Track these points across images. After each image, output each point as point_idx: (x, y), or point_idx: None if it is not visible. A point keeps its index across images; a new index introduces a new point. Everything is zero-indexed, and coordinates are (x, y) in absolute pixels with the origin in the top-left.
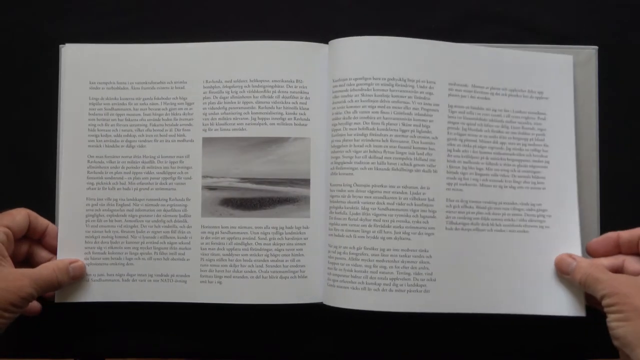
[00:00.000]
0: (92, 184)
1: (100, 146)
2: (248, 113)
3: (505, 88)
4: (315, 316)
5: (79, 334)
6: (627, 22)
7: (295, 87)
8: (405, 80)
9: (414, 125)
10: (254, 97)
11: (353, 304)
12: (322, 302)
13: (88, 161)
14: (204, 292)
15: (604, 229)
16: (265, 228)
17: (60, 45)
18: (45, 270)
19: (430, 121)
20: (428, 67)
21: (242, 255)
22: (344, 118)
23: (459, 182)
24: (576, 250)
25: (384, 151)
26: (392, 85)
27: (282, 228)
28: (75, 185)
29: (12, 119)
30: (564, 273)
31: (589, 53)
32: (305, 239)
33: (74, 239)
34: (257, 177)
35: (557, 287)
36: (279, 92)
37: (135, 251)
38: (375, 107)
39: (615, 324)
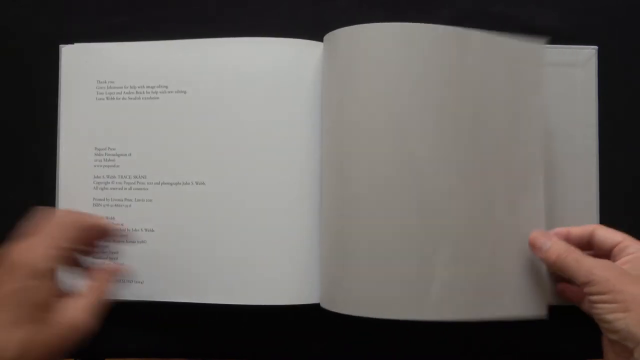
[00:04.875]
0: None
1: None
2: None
3: None
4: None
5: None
6: (627, 22)
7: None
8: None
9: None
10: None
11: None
12: (318, 303)
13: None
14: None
15: None
16: None
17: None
18: None
19: None
20: None
21: None
22: None
23: None
24: None
25: None
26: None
27: None
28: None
29: (12, 119)
30: (536, 250)
31: (589, 53)
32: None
33: None
34: None
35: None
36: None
37: None
38: None
39: (613, 316)
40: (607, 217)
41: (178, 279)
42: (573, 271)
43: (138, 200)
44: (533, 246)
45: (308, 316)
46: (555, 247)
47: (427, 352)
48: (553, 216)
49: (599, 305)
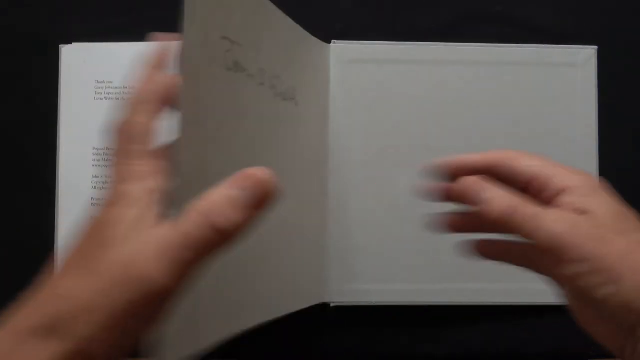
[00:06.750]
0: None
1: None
2: None
3: None
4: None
5: None
6: (627, 22)
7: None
8: None
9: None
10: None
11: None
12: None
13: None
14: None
15: None
16: None
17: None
18: None
19: None
20: None
21: None
22: None
23: None
24: None
25: None
26: None
27: None
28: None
29: (12, 119)
30: (469, 202)
31: (589, 53)
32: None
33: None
34: None
35: None
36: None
37: None
38: None
39: (603, 291)
40: None
41: None
42: (528, 233)
43: None
44: (465, 196)
45: (313, 316)
46: (498, 200)
47: (427, 351)
48: None
49: (581, 281)
